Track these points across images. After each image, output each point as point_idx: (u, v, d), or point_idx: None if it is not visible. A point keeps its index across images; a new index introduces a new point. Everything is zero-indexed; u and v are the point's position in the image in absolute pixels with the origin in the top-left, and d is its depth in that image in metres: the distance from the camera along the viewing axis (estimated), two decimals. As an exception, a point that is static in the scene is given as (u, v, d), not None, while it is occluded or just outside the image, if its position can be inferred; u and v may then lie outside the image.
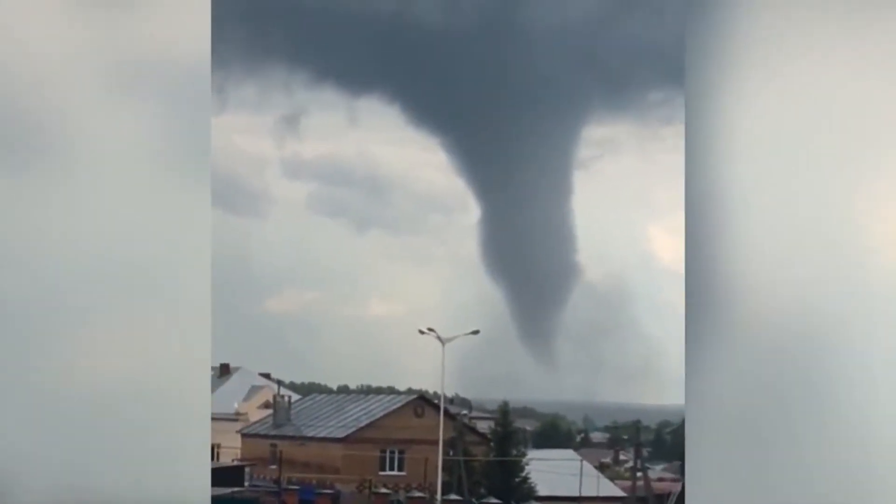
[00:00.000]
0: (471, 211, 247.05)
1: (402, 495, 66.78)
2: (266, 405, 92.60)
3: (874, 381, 10.54)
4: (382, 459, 75.57)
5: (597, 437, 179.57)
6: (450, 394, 78.56)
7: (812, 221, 10.88)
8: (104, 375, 10.97)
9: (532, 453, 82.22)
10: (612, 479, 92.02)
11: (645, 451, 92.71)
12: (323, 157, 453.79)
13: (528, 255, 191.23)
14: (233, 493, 61.64)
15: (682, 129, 11.33)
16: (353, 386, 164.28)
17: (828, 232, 10.87)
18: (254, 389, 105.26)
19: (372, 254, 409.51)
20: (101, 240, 10.93)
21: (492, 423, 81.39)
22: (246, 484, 70.28)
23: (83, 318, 10.95)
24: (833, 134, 10.93)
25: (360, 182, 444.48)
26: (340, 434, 76.52)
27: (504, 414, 76.99)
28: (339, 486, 70.69)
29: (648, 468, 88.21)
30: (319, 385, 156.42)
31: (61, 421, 10.87)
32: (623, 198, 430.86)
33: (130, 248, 10.99)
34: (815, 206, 10.88)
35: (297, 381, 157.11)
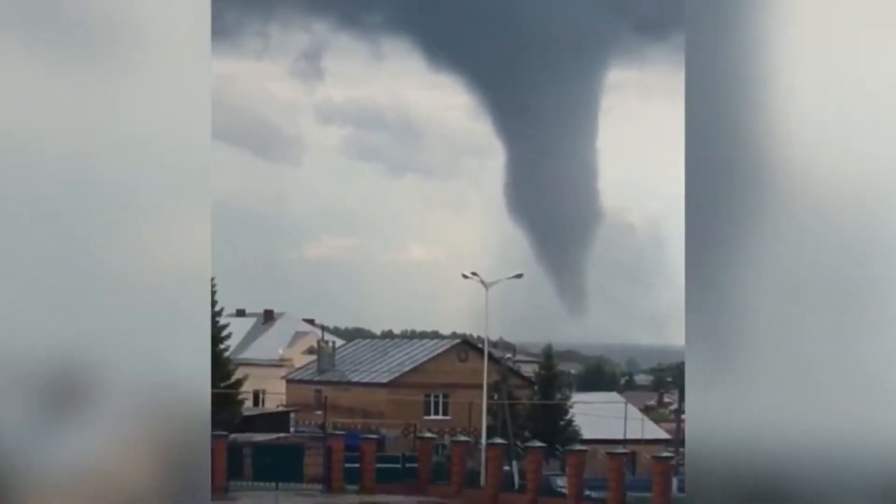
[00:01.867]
0: (501, 156, 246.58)
1: (446, 439, 66.95)
2: (310, 351, 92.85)
3: None
4: (427, 404, 75.78)
5: (641, 379, 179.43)
6: (493, 337, 78.39)
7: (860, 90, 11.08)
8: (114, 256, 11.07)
9: (576, 396, 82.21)
10: (656, 421, 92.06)
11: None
12: (352, 101, 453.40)
13: (554, 199, 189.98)
14: (278, 438, 62.01)
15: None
16: (396, 331, 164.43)
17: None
18: (298, 335, 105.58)
19: (408, 198, 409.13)
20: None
21: (536, 367, 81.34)
22: (291, 430, 70.71)
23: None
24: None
25: (391, 126, 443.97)
26: (384, 379, 76.74)
27: (548, 357, 76.87)
28: (383, 430, 70.96)
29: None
30: (363, 330, 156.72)
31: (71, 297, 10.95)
32: (647, 140, 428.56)
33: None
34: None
35: (341, 326, 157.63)
